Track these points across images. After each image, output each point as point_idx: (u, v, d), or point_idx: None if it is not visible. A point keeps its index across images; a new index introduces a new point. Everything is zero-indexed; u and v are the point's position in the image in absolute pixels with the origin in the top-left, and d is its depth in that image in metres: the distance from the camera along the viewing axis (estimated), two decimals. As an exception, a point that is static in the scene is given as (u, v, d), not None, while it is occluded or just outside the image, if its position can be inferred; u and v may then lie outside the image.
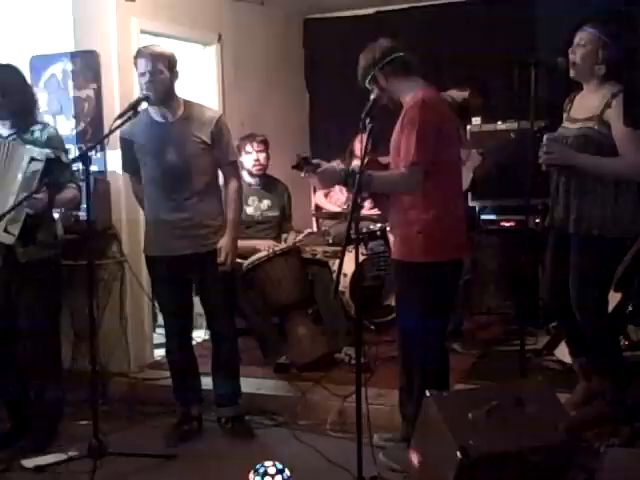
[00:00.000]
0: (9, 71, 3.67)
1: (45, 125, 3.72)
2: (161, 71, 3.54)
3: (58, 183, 3.57)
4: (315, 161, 3.13)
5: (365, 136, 3.00)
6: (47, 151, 3.50)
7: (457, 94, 4.80)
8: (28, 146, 3.52)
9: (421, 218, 3.19)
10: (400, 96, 3.29)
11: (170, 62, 3.59)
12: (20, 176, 3.47)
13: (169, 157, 3.62)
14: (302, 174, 3.11)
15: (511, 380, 3.37)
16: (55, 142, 3.65)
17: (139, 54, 3.59)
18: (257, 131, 5.11)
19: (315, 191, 6.06)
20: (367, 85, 3.33)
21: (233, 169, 3.81)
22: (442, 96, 3.30)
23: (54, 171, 3.50)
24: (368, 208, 5.59)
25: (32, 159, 3.46)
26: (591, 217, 3.39)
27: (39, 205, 3.49)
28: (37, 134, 3.62)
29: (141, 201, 3.85)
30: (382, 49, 3.29)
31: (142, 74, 3.55)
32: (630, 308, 4.03)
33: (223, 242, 3.68)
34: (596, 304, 3.47)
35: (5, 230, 3.46)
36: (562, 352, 4.22)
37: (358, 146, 5.76)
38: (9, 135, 3.59)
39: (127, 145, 3.71)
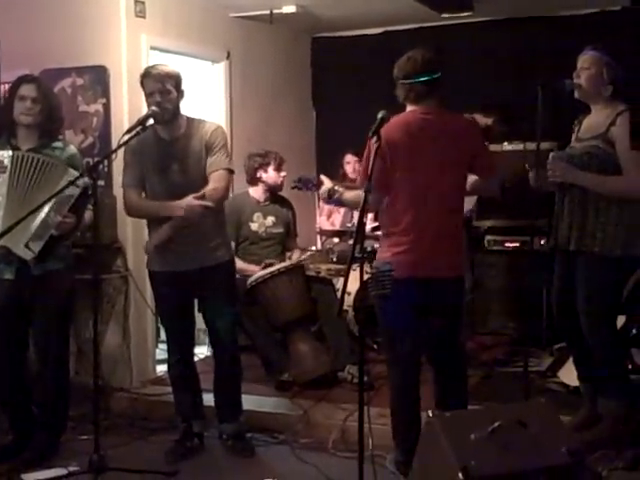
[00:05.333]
0: (46, 84, 3.73)
1: (66, 143, 3.73)
2: (169, 91, 3.56)
3: (84, 209, 3.57)
4: (322, 178, 3.56)
5: (372, 155, 3.00)
6: (86, 179, 3.44)
7: (481, 119, 4.80)
8: (70, 169, 3.51)
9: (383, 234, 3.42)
10: None
11: (177, 81, 3.61)
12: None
13: (173, 175, 3.63)
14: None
15: (514, 401, 3.36)
16: (76, 161, 3.66)
17: (147, 74, 3.60)
18: (264, 148, 5.10)
19: (320, 214, 6.12)
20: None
21: (223, 176, 3.65)
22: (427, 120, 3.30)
23: (86, 198, 3.50)
24: (370, 228, 5.60)
25: (70, 183, 3.40)
26: (593, 235, 3.39)
27: (67, 229, 3.52)
28: (58, 152, 3.63)
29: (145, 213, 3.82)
30: (401, 68, 3.31)
31: (150, 94, 3.56)
32: (634, 331, 4.03)
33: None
34: (604, 324, 3.46)
35: (26, 245, 3.46)
36: (566, 374, 4.20)
37: (348, 168, 5.86)
38: (30, 149, 3.57)
39: (136, 160, 3.68)
